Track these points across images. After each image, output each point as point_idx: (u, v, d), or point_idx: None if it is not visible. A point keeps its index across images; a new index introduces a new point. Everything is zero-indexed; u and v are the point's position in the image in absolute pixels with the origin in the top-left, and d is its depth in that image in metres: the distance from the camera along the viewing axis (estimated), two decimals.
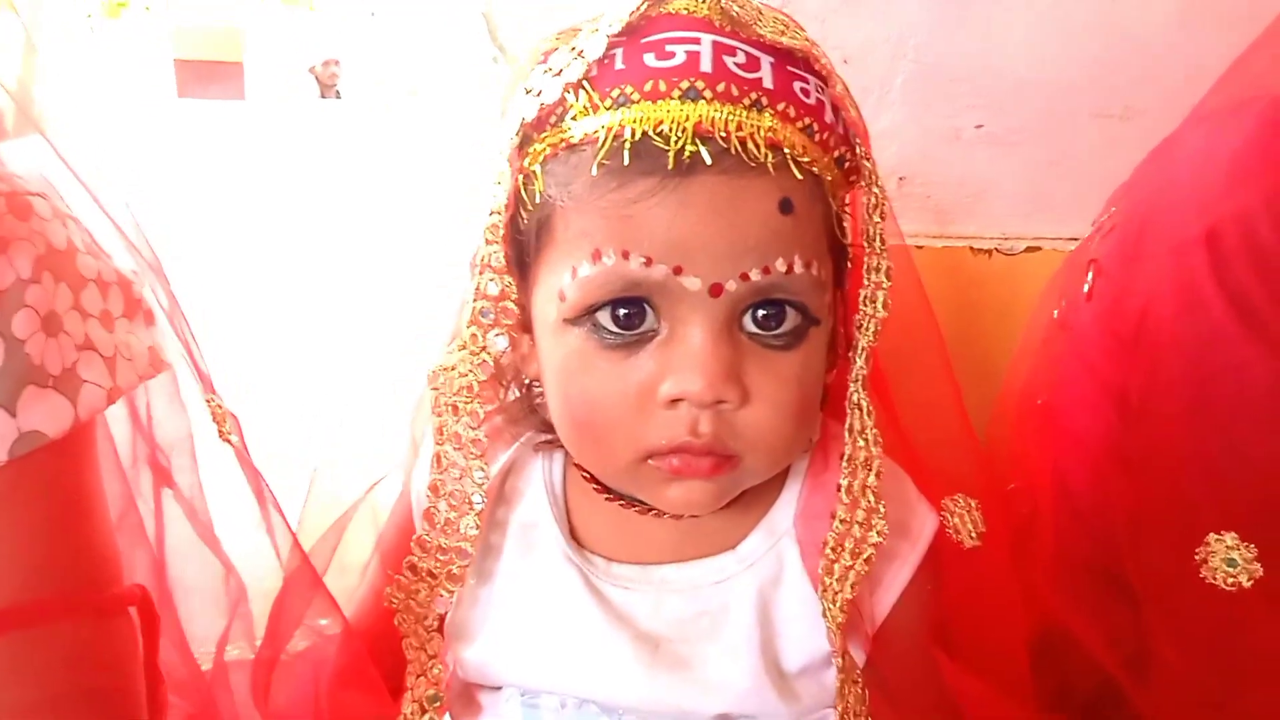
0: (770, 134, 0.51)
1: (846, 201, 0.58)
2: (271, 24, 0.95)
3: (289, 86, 0.95)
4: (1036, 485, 0.74)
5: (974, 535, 0.60)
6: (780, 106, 0.52)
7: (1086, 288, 0.68)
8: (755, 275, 0.51)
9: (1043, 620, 0.67)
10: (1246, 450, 0.59)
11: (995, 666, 0.61)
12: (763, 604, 0.59)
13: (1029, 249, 0.91)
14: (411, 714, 0.60)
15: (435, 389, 0.59)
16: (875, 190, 0.56)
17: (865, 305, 0.56)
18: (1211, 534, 0.58)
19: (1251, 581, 0.57)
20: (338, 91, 0.96)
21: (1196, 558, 0.59)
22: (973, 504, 0.61)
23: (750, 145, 0.50)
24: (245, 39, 0.94)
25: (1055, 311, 0.73)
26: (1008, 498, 0.75)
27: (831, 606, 0.56)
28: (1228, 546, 0.58)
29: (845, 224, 0.57)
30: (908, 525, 0.60)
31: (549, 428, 0.60)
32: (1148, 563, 0.62)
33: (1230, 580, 0.57)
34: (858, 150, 0.56)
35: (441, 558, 0.59)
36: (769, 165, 0.51)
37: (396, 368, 0.85)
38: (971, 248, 0.92)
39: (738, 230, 0.51)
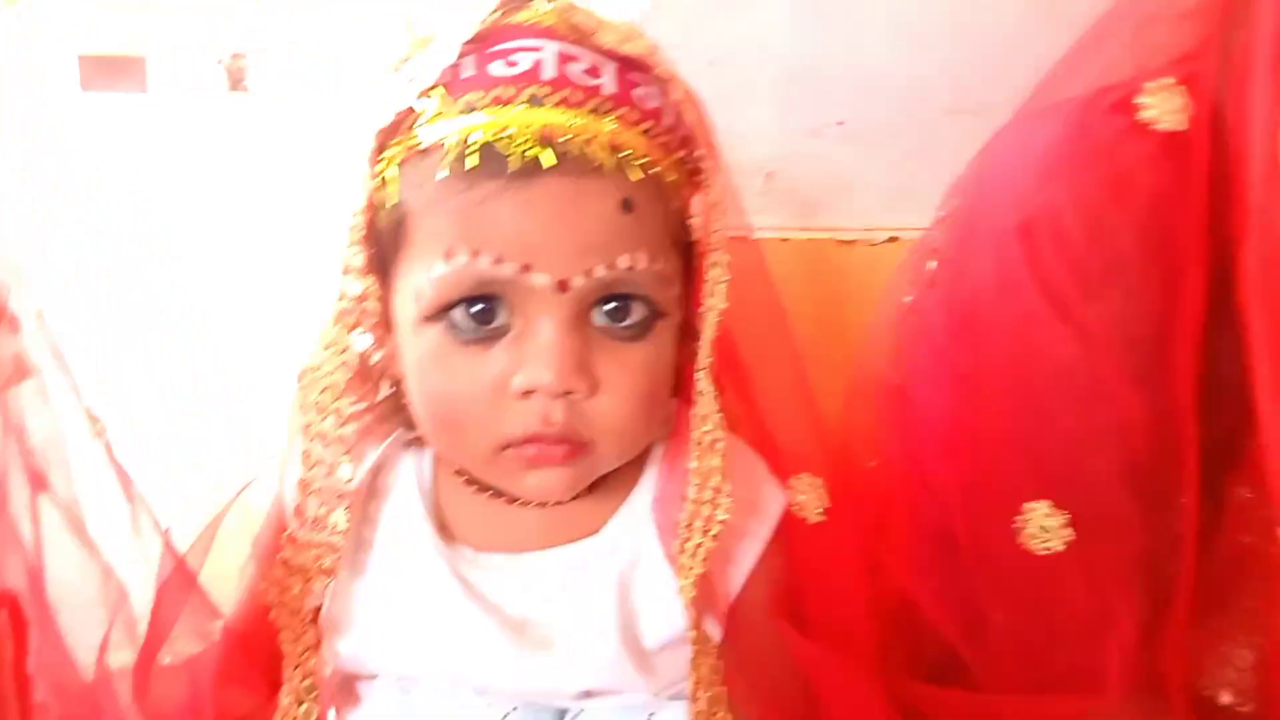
0: (611, 137, 0.54)
1: (694, 199, 0.62)
2: (178, 17, 0.95)
3: (196, 80, 0.95)
4: (894, 463, 0.78)
5: (819, 511, 0.64)
6: (621, 111, 0.55)
7: (930, 274, 0.73)
8: (600, 271, 0.54)
9: (897, 590, 0.71)
10: (1057, 425, 0.63)
11: (845, 636, 0.65)
12: (623, 585, 0.61)
13: (890, 239, 0.95)
14: (289, 705, 0.62)
15: (302, 388, 0.61)
16: (718, 189, 0.59)
17: (707, 297, 0.59)
18: (1027, 503, 0.63)
19: (1065, 545, 0.62)
20: (246, 85, 0.96)
21: (1015, 525, 0.64)
22: (819, 482, 0.65)
23: (591, 148, 0.53)
24: (149, 32, 0.94)
25: (907, 297, 0.78)
26: (868, 475, 0.79)
27: (685, 583, 0.59)
28: (1042, 514, 0.63)
29: (691, 221, 0.61)
30: (757, 503, 0.63)
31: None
32: (975, 531, 0.67)
33: (1044, 546, 0.62)
34: (699, 152, 0.59)
35: (313, 552, 0.61)
36: (610, 167, 0.54)
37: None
38: (836, 239, 0.96)
39: (582, 229, 0.54)
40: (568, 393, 0.55)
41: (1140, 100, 0.62)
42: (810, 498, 0.64)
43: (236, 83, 0.96)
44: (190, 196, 0.91)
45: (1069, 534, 0.62)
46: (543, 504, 0.61)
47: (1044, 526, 0.63)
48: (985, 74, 0.95)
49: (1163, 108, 0.61)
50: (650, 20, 0.94)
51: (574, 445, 0.57)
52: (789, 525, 0.64)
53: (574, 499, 0.61)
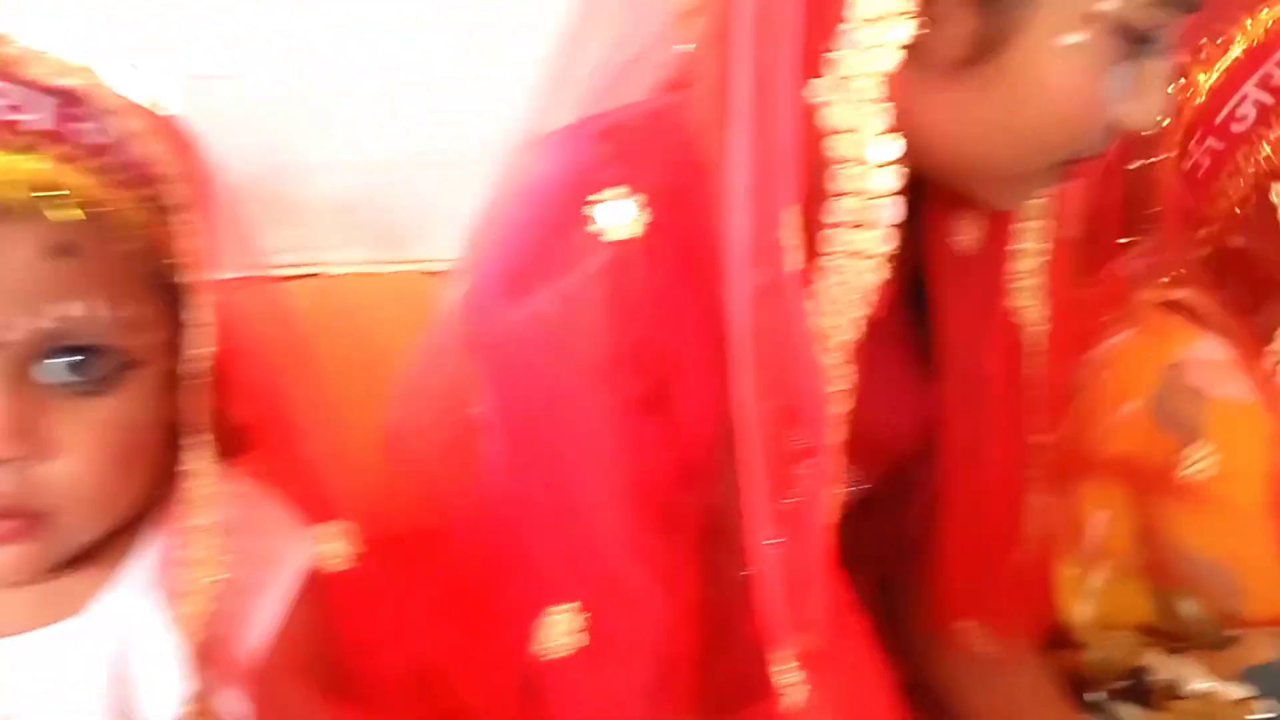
0: (38, 176, 0.49)
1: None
2: None
3: None
4: (480, 499, 0.76)
5: (347, 559, 0.61)
6: (57, 149, 0.51)
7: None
8: (36, 323, 0.49)
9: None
10: (558, 454, 0.63)
11: (387, 694, 0.62)
12: (119, 661, 0.56)
13: None
14: None
15: None
16: (197, 227, 0.55)
17: (200, 341, 0.55)
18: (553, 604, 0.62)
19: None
20: None
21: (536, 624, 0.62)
22: (350, 528, 0.62)
23: (6, 189, 0.48)
24: None
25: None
26: (456, 518, 0.76)
27: (188, 650, 0.55)
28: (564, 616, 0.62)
29: (174, 261, 0.56)
30: (278, 558, 0.60)
31: None
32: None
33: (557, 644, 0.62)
34: (173, 187, 0.55)
35: None
36: (33, 209, 0.49)
37: None
38: (424, 271, 0.94)
39: (2, 278, 0.48)
40: (8, 460, 0.49)
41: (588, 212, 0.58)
42: (337, 545, 0.61)
43: None
44: None
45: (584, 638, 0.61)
46: (18, 583, 0.55)
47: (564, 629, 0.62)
48: None
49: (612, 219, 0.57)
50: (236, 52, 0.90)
51: (27, 518, 0.51)
52: (320, 579, 0.61)
53: (65, 573, 0.56)
